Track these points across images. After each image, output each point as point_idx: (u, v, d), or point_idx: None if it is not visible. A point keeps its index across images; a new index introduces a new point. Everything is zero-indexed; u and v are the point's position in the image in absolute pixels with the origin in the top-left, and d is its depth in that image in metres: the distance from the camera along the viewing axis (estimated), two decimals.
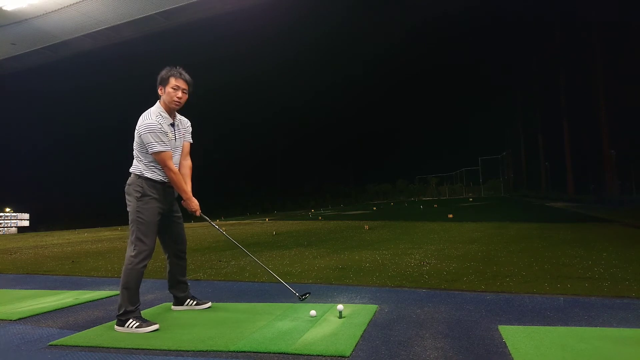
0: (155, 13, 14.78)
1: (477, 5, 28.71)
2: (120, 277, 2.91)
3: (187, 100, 3.16)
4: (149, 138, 2.92)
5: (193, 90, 3.18)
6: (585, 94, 18.50)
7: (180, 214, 3.29)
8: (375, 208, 22.44)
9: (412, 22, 35.27)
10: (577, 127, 20.05)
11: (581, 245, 5.35)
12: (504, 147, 35.08)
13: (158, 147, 2.93)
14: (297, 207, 34.29)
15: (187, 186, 3.14)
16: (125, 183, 3.05)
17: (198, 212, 3.18)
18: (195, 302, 3.30)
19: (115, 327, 2.81)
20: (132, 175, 3.04)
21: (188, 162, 3.26)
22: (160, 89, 3.06)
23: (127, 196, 3.02)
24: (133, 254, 2.89)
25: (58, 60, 19.06)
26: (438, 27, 35.69)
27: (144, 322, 2.79)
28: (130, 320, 2.78)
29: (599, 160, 17.25)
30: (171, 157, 3.01)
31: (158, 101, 3.10)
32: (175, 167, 3.03)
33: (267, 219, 18.65)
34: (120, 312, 2.80)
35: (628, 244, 5.43)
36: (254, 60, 40.24)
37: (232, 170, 42.69)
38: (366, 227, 10.15)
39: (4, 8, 13.37)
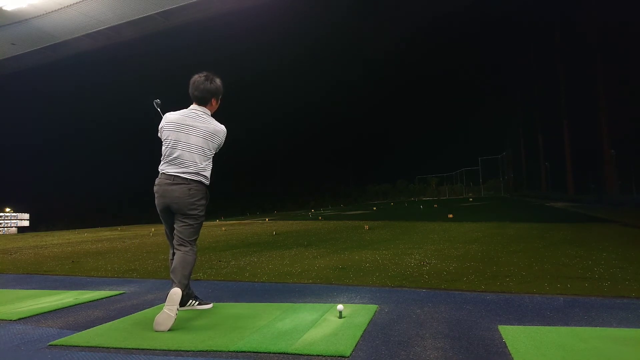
0: (155, 13, 14.77)
1: (477, 6, 28.73)
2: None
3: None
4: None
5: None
6: (585, 94, 18.49)
7: None
8: (375, 208, 22.43)
9: (413, 23, 35.28)
10: (577, 127, 20.05)
11: (581, 245, 5.35)
12: (504, 147, 35.09)
13: None
14: (297, 207, 34.27)
15: None
16: (189, 187, 3.10)
17: None
18: (197, 303, 3.30)
19: (180, 308, 2.97)
20: (198, 182, 3.12)
21: None
22: (215, 101, 3.26)
23: (196, 200, 3.10)
24: (195, 250, 3.17)
25: (58, 60, 19.05)
26: (438, 28, 35.71)
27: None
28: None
29: (599, 160, 17.25)
30: None
31: (209, 112, 3.25)
32: None
33: (267, 219, 18.65)
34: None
35: (628, 244, 5.43)
36: (254, 60, 40.26)
37: (232, 170, 42.70)
38: (366, 227, 10.15)
39: (4, 8, 13.37)
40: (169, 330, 2.70)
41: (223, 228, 13.86)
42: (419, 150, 44.55)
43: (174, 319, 2.72)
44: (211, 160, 3.23)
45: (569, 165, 20.96)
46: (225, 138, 3.28)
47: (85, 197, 36.10)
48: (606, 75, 16.97)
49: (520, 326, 2.44)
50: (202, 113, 3.19)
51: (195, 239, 3.18)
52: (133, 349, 2.42)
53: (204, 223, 3.25)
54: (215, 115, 3.31)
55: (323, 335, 2.42)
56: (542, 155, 25.29)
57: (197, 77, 3.18)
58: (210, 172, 3.22)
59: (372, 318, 2.75)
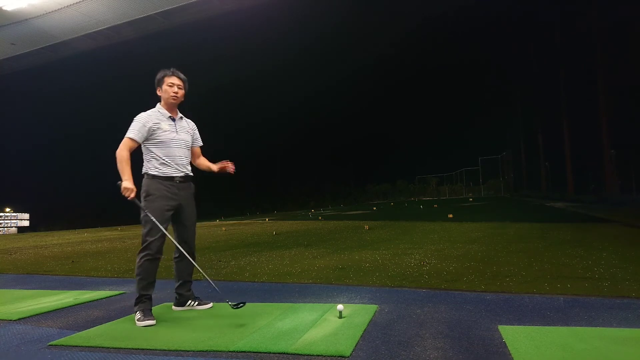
0: (155, 13, 14.79)
1: (476, 5, 28.73)
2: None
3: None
4: (131, 125, 3.11)
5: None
6: (585, 94, 18.49)
7: (193, 215, 3.33)
8: (375, 208, 22.44)
9: (412, 22, 35.30)
10: (577, 127, 20.04)
11: (581, 245, 5.35)
12: (504, 147, 35.07)
13: (129, 133, 3.07)
14: (297, 207, 34.28)
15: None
16: None
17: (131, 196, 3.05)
18: (196, 303, 3.30)
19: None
20: (143, 176, 3.18)
21: (203, 160, 3.51)
22: (158, 90, 3.27)
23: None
24: (140, 255, 3.05)
25: (58, 60, 19.07)
26: (438, 27, 35.73)
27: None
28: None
29: (599, 160, 17.24)
30: (131, 148, 3.09)
31: (158, 103, 3.30)
32: (125, 155, 3.05)
33: (267, 219, 18.65)
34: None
35: (628, 244, 5.42)
36: (254, 60, 40.29)
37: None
38: (366, 227, 10.15)
39: (4, 8, 13.38)
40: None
41: (223, 228, 13.86)
42: (419, 150, 44.57)
43: (136, 318, 2.91)
44: (147, 149, 3.16)
45: (569, 165, 20.96)
46: (133, 122, 3.13)
47: (85, 197, 36.11)
48: (606, 75, 16.97)
49: (520, 326, 2.44)
50: None
51: (142, 243, 3.05)
52: (133, 349, 2.42)
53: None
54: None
55: (323, 335, 2.42)
56: (542, 155, 25.28)
57: None
58: (146, 161, 3.16)
59: (372, 318, 2.75)
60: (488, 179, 35.22)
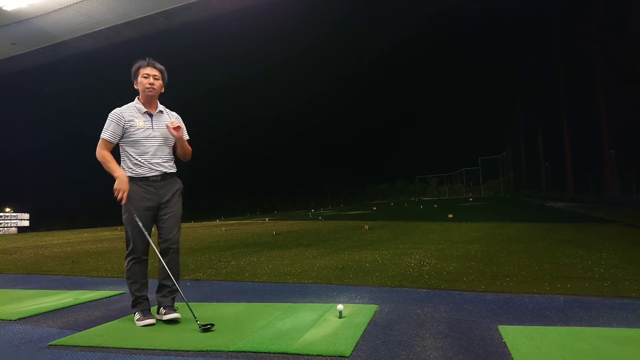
0: (155, 13, 14.81)
1: (476, 4, 28.73)
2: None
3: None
4: (106, 123, 2.98)
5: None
6: (585, 94, 18.49)
7: (172, 211, 3.07)
8: (375, 208, 22.44)
9: (411, 21, 35.28)
10: (577, 127, 20.04)
11: (581, 245, 5.35)
12: (504, 147, 35.09)
13: (104, 134, 2.96)
14: (297, 207, 34.28)
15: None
16: None
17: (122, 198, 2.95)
18: (165, 312, 3.01)
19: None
20: None
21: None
22: (135, 83, 3.09)
23: None
24: (126, 252, 3.04)
25: (58, 60, 19.09)
26: (437, 26, 35.71)
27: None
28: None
29: (599, 160, 17.24)
30: (108, 149, 2.99)
31: (136, 97, 3.12)
32: (104, 155, 2.96)
33: (267, 219, 18.64)
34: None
35: (628, 244, 5.43)
36: (254, 60, 40.26)
37: (232, 170, 42.71)
38: (366, 227, 10.15)
39: (4, 8, 13.39)
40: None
41: (223, 228, 13.85)
42: (419, 150, 44.59)
43: (135, 319, 2.94)
44: (121, 148, 3.02)
45: (569, 165, 20.95)
46: (107, 120, 3.01)
47: (85, 197, 36.10)
48: (606, 75, 16.97)
49: (520, 326, 2.44)
50: None
51: (126, 247, 3.01)
52: (133, 349, 2.42)
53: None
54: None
55: (323, 335, 2.42)
56: (542, 155, 25.27)
57: None
58: (121, 160, 3.03)
59: (372, 318, 2.76)
60: (488, 179, 35.28)
